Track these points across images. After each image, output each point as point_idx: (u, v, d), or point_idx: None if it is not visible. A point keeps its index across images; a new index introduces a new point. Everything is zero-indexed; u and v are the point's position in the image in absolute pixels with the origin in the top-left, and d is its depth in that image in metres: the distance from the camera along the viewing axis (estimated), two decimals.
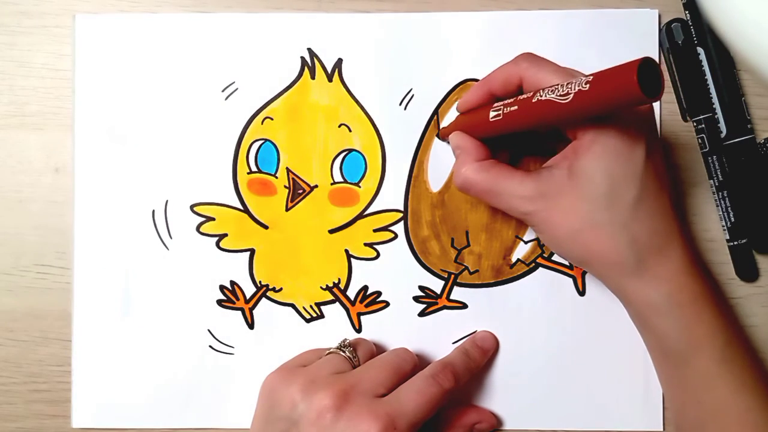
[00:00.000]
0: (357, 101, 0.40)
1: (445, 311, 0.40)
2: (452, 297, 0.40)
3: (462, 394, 0.40)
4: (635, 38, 0.39)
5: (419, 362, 0.37)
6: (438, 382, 0.35)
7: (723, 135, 0.39)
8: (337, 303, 0.40)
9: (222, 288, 0.40)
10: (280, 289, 0.40)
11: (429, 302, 0.40)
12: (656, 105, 0.39)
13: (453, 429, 0.38)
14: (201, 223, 0.40)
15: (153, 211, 0.40)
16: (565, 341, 0.40)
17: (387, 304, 0.40)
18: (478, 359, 0.38)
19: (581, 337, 0.40)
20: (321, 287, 0.40)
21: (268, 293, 0.40)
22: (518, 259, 0.40)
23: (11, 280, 0.40)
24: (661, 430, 0.39)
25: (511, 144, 0.38)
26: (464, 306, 0.40)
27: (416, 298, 0.40)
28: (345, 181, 0.40)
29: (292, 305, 0.40)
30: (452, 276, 0.40)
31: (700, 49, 0.39)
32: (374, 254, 0.40)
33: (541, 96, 0.31)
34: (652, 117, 0.34)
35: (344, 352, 0.36)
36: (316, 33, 0.40)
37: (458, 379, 0.36)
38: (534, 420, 0.40)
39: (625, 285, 0.34)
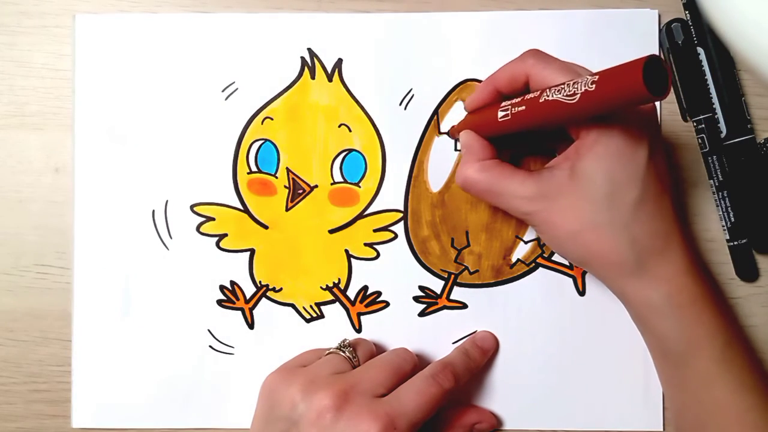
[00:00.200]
0: (357, 101, 0.40)
1: (445, 311, 0.40)
2: (452, 297, 0.40)
3: (462, 394, 0.40)
4: (635, 38, 0.39)
5: (419, 362, 0.37)
6: (438, 382, 0.35)
7: (723, 135, 0.39)
8: (337, 303, 0.40)
9: (222, 288, 0.40)
10: (280, 289, 0.40)
11: (429, 302, 0.40)
12: (656, 105, 0.39)
13: (453, 429, 0.38)
14: (201, 223, 0.40)
15: (153, 211, 0.40)
16: (565, 341, 0.40)
17: (387, 304, 0.40)
18: (478, 359, 0.38)
19: (581, 337, 0.40)
20: (321, 287, 0.40)
21: (268, 293, 0.40)
22: (518, 259, 0.40)
23: (11, 280, 0.40)
24: (661, 430, 0.39)
25: (514, 143, 0.38)
26: (464, 306, 0.40)
27: (416, 298, 0.40)
28: (345, 181, 0.40)
29: (292, 305, 0.40)
30: (452, 276, 0.40)
31: (700, 49, 0.39)
32: (374, 254, 0.40)
33: (548, 96, 0.31)
34: (655, 118, 0.34)
35: (344, 352, 0.36)
36: (316, 33, 0.40)
37: (458, 379, 0.36)
38: (534, 420, 0.40)
39: (625, 285, 0.34)
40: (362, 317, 0.40)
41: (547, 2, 0.40)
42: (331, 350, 0.37)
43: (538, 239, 0.40)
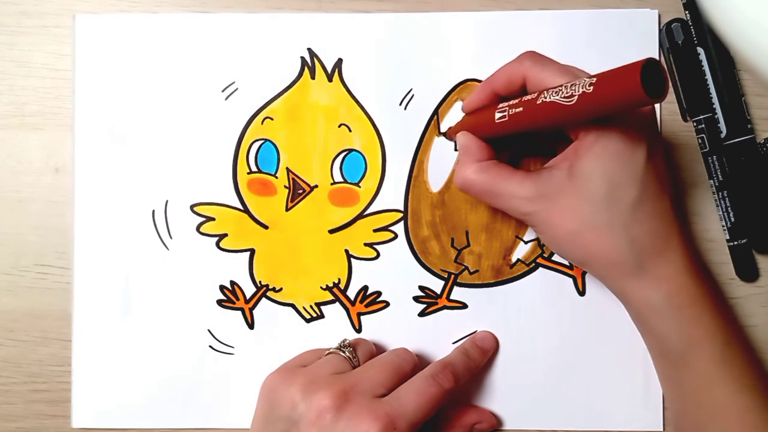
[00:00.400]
0: (357, 101, 0.40)
1: (445, 311, 0.40)
2: (452, 297, 0.40)
3: (462, 394, 0.40)
4: (635, 38, 0.39)
5: (419, 362, 0.37)
6: (438, 382, 0.35)
7: (723, 135, 0.39)
8: (337, 303, 0.40)
9: (222, 288, 0.40)
10: (280, 289, 0.40)
11: (429, 302, 0.40)
12: (656, 105, 0.39)
13: (453, 429, 0.38)
14: (201, 223, 0.40)
15: (153, 211, 0.40)
16: (565, 341, 0.40)
17: (387, 304, 0.40)
18: (478, 359, 0.38)
19: (581, 337, 0.40)
20: (321, 287, 0.40)
21: (268, 293, 0.40)
22: (518, 259, 0.40)
23: (11, 280, 0.40)
24: (661, 430, 0.39)
25: (513, 144, 0.38)
26: (464, 306, 0.40)
27: (416, 298, 0.40)
28: (345, 181, 0.40)
29: (292, 305, 0.40)
30: (452, 276, 0.40)
31: (700, 49, 0.39)
32: (374, 254, 0.40)
33: (545, 98, 0.31)
34: (654, 118, 0.34)
35: (344, 352, 0.36)
36: (316, 33, 0.40)
37: (458, 379, 0.36)
38: (534, 420, 0.40)
39: (624, 286, 0.34)
40: (362, 317, 0.40)
41: (547, 2, 0.40)
42: (331, 350, 0.37)
43: (538, 239, 0.40)
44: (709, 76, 0.39)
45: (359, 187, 0.40)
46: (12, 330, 0.40)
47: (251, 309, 0.40)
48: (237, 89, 0.40)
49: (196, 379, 0.40)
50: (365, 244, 0.40)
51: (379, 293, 0.40)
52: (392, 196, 0.40)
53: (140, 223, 0.40)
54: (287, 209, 0.40)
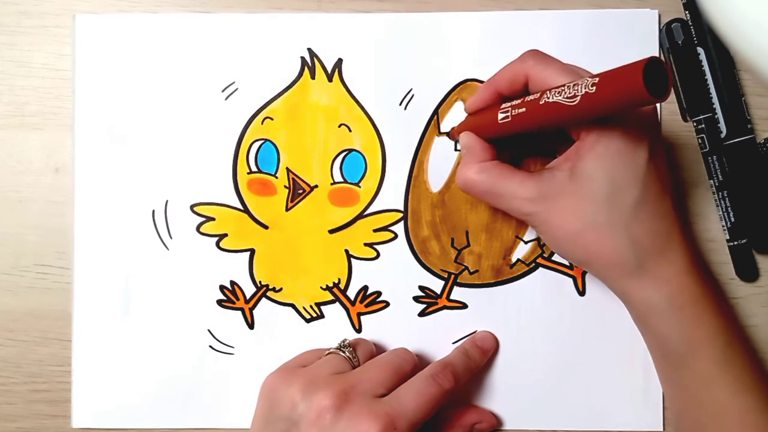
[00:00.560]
0: (357, 101, 0.40)
1: (445, 311, 0.40)
2: (452, 297, 0.40)
3: (462, 394, 0.40)
4: (635, 38, 0.39)
5: (419, 362, 0.37)
6: (438, 382, 0.35)
7: (723, 135, 0.39)
8: (337, 303, 0.40)
9: (222, 288, 0.40)
10: (280, 289, 0.40)
11: (429, 302, 0.40)
12: (657, 105, 0.39)
13: (453, 429, 0.38)
14: (201, 223, 0.40)
15: (153, 211, 0.40)
16: (565, 341, 0.40)
17: (387, 304, 0.40)
18: (478, 359, 0.38)
19: (581, 337, 0.40)
20: (321, 287, 0.40)
21: (268, 293, 0.40)
22: (518, 259, 0.40)
23: (11, 280, 0.40)
24: (661, 430, 0.39)
25: (514, 144, 0.38)
26: (464, 306, 0.40)
27: (416, 298, 0.40)
28: (345, 181, 0.40)
29: (292, 305, 0.40)
30: (452, 276, 0.40)
31: (700, 49, 0.39)
32: (374, 254, 0.40)
33: (548, 98, 0.31)
34: (656, 118, 0.34)
35: (344, 352, 0.36)
36: (316, 33, 0.40)
37: (458, 379, 0.36)
38: (534, 420, 0.40)
39: (625, 286, 0.34)
40: (362, 317, 0.40)
41: (547, 2, 0.40)
42: (331, 350, 0.37)
43: (538, 239, 0.40)
44: (709, 76, 0.39)
45: (359, 187, 0.40)
46: (12, 330, 0.40)
47: (251, 309, 0.40)
48: (237, 89, 0.40)
49: (196, 379, 0.40)
50: (365, 244, 0.40)
51: (379, 293, 0.40)
52: (392, 196, 0.40)
53: (140, 223, 0.40)
54: (287, 209, 0.40)
